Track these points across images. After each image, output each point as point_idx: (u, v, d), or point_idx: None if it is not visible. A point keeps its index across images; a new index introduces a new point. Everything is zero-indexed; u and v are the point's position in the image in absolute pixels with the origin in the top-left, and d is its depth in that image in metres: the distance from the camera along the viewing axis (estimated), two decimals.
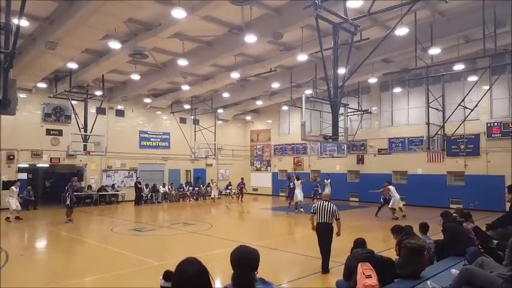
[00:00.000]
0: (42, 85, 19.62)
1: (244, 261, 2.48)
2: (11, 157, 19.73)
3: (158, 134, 25.82)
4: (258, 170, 30.90)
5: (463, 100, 15.95)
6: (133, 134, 24.53)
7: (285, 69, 19.57)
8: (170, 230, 14.05)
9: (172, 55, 16.87)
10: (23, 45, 14.55)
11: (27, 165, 20.58)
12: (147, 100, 23.90)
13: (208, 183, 26.77)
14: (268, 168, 30.13)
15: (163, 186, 24.83)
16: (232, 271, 2.47)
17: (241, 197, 24.34)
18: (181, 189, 25.62)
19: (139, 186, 22.71)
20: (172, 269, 2.23)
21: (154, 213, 19.77)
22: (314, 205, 8.04)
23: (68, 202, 15.44)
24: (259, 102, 26.24)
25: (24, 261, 9.44)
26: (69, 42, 12.99)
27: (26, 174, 20.70)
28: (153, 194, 23.87)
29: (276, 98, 24.76)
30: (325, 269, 7.73)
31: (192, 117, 24.58)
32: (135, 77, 18.70)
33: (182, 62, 15.95)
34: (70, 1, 11.32)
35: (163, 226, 15.27)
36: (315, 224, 7.98)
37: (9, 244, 11.08)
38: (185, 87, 20.61)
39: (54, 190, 22.97)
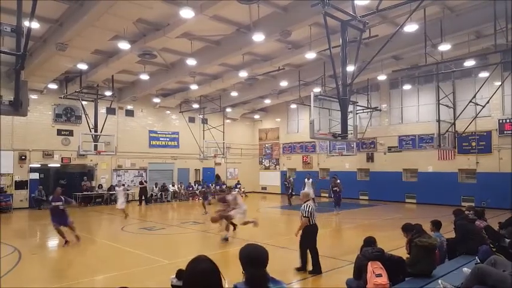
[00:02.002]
0: (53, 86, 19.87)
1: (256, 259, 2.47)
2: (23, 157, 20.03)
3: (167, 134, 25.97)
4: (266, 168, 30.89)
5: (474, 96, 15.73)
6: (143, 134, 24.72)
7: (293, 67, 19.52)
8: (180, 229, 14.12)
9: (181, 55, 16.94)
10: (33, 47, 14.76)
11: (39, 165, 20.87)
12: (156, 100, 24.05)
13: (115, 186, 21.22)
14: (277, 166, 30.10)
15: (173, 185, 24.98)
16: (243, 270, 2.47)
17: (206, 205, 18.30)
18: (191, 188, 25.75)
19: (141, 186, 22.78)
20: (183, 267, 2.23)
21: (164, 212, 19.90)
22: (307, 209, 7.69)
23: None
24: (267, 101, 26.23)
25: (36, 260, 9.59)
26: (79, 44, 13.13)
27: (38, 174, 20.98)
28: (163, 193, 24.04)
29: (284, 96, 24.71)
30: (319, 269, 7.69)
31: (201, 116, 24.67)
32: (144, 77, 18.82)
33: (191, 62, 16.01)
34: (80, 2, 11.43)
35: (172, 225, 15.36)
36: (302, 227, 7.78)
37: (22, 243, 11.25)
38: (194, 87, 20.69)
39: (66, 189, 23.15)
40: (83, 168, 23.33)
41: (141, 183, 22.91)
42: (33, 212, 18.99)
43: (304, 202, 7.90)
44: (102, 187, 22.53)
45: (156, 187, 23.90)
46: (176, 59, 17.90)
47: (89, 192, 21.71)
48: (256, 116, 30.88)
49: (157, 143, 25.44)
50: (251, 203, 23.57)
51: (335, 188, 17.98)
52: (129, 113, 24.22)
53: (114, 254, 10.22)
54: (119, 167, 23.57)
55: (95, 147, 18.70)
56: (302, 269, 7.80)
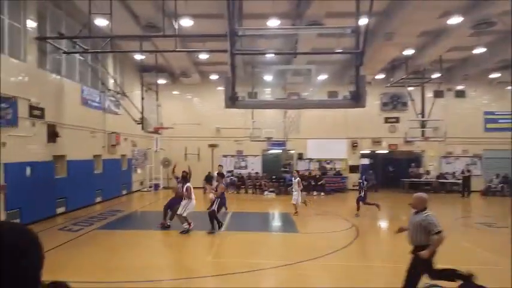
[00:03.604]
0: (380, 76, 20.63)
1: None
2: (355, 145, 22.18)
3: (509, 114, 21.47)
4: None
5: None
6: (476, 116, 21.71)
7: None
8: None
9: None
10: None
11: (368, 152, 22.51)
12: (494, 75, 20.29)
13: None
14: None
15: None
16: None
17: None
18: None
19: (463, 175, 19.83)
20: None
21: (505, 208, 16.57)
22: None
23: None
24: None
25: (371, 238, 10.15)
26: (405, 30, 12.85)
27: (368, 159, 22.68)
28: (504, 186, 20.18)
29: None
30: None
31: None
32: (479, 50, 16.14)
33: None
34: None
35: None
36: None
37: (357, 221, 12.21)
38: None
39: (395, 175, 23.87)
40: (410, 155, 23.19)
41: (462, 172, 20.32)
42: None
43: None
44: (429, 174, 21.60)
45: (497, 178, 20.35)
46: None
47: (416, 179, 21.35)
48: None
49: (495, 126, 21.56)
50: None
51: None
52: (460, 94, 21.86)
53: (444, 245, 9.18)
54: (448, 154, 21.78)
55: (422, 133, 18.04)
56: None
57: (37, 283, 1.12)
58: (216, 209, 10.17)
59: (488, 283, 6.16)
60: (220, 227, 10.27)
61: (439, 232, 4.96)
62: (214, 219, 10.10)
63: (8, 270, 1.03)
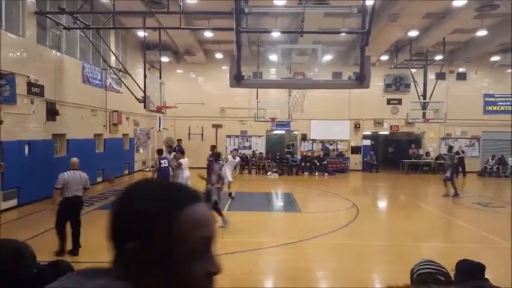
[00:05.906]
0: (383, 58, 20.79)
1: None
2: (358, 126, 22.52)
3: (508, 97, 21.80)
4: None
5: None
6: (476, 98, 22.00)
7: None
8: None
9: None
10: None
11: (370, 133, 22.89)
12: (495, 58, 20.49)
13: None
14: None
15: None
16: None
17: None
18: None
19: (458, 156, 20.25)
20: None
21: (501, 188, 17.14)
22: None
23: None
24: None
25: (370, 217, 10.60)
26: (410, 11, 13.00)
27: (369, 140, 23.07)
28: (500, 167, 20.68)
29: None
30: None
31: None
32: (481, 33, 16.36)
33: None
34: None
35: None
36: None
37: (358, 200, 12.67)
38: None
39: (395, 156, 24.36)
40: (410, 136, 23.63)
41: (457, 153, 20.70)
42: (366, 175, 21.16)
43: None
44: (429, 155, 22.07)
45: (492, 159, 20.84)
46: None
47: (416, 160, 21.83)
48: None
49: (495, 109, 21.92)
50: None
51: None
52: (461, 76, 22.08)
53: (443, 225, 9.77)
54: (448, 135, 22.22)
55: (423, 114, 18.33)
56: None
57: None
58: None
59: (485, 262, 6.67)
60: None
61: (56, 189, 6.68)
62: None
63: None
